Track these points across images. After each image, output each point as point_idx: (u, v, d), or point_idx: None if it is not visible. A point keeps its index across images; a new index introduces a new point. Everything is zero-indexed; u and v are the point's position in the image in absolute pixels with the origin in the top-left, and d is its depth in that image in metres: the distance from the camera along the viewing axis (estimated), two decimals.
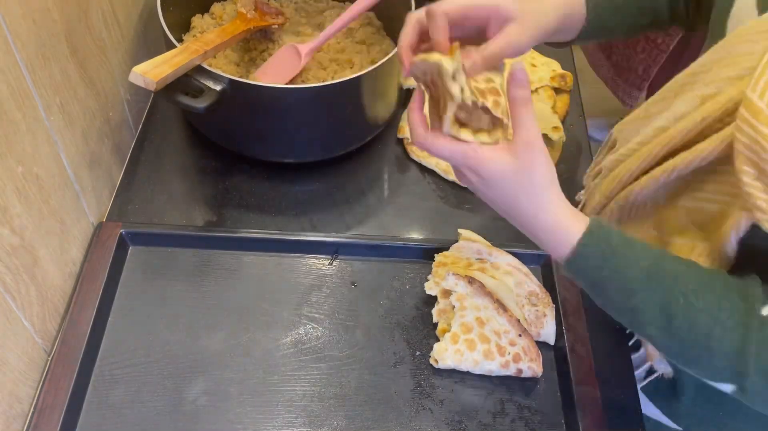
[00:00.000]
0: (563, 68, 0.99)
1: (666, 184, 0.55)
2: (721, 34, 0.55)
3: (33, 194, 0.62)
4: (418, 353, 0.71)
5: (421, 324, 0.73)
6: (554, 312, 0.74)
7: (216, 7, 0.93)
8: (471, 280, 0.71)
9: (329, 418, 0.66)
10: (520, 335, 0.70)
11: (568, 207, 0.51)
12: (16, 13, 0.56)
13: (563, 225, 0.50)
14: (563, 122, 0.93)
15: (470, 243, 0.77)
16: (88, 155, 0.73)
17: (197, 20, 0.92)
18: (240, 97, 0.75)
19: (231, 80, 0.73)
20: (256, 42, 0.90)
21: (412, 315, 0.74)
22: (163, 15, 0.78)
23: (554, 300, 0.75)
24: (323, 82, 0.84)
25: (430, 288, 0.74)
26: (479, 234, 0.78)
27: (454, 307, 0.71)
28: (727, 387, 0.49)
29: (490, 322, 0.70)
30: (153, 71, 0.66)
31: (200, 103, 0.71)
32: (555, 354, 0.72)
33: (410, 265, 0.78)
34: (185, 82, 0.72)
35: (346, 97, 0.80)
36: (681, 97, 0.56)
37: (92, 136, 0.74)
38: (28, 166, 0.60)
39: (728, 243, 0.50)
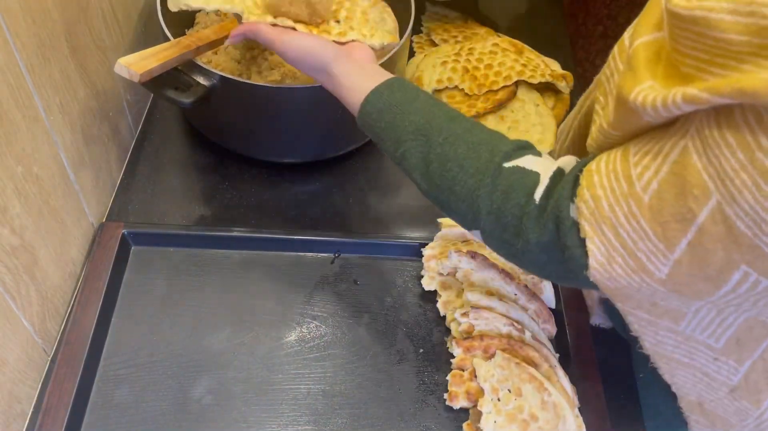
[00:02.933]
0: (563, 68, 0.99)
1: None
2: None
3: (33, 194, 0.61)
4: (421, 350, 0.71)
5: (424, 321, 0.73)
6: None
7: None
8: (473, 254, 0.72)
9: (333, 416, 0.66)
10: (530, 299, 0.71)
11: (375, 73, 0.60)
12: (16, 13, 0.55)
13: (360, 84, 0.59)
14: (563, 121, 0.94)
15: (452, 229, 0.78)
16: (88, 155, 0.73)
17: (202, 16, 0.92)
18: (230, 94, 0.75)
19: (222, 77, 0.73)
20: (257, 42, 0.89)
21: (415, 312, 0.74)
22: (162, 15, 0.78)
23: None
24: None
25: (428, 283, 0.75)
26: None
27: (462, 292, 0.71)
28: (477, 235, 0.53)
29: (500, 292, 0.71)
30: (138, 63, 0.66)
31: (187, 98, 0.71)
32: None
33: (411, 263, 0.78)
34: (176, 76, 0.72)
35: None
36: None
37: (92, 136, 0.74)
38: (28, 166, 0.60)
39: None
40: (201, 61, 0.88)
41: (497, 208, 0.50)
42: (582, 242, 0.45)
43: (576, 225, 0.45)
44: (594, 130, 0.50)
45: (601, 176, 0.44)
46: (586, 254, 0.45)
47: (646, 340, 0.51)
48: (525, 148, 0.52)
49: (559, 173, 0.49)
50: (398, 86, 0.58)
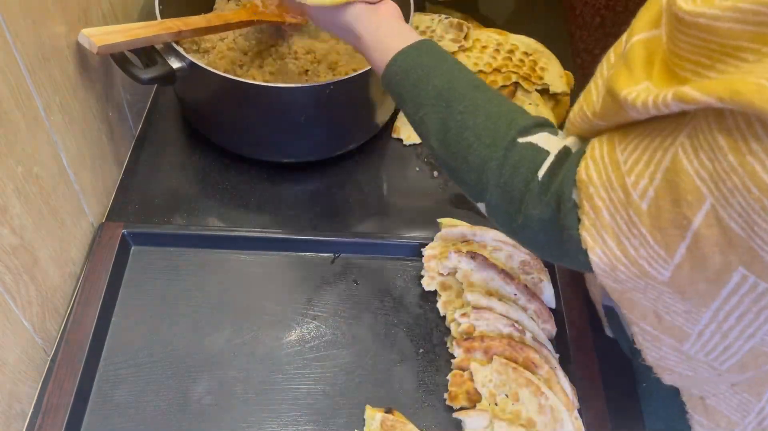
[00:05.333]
0: (562, 61, 0.99)
1: None
2: None
3: (33, 194, 0.61)
4: (421, 350, 0.71)
5: (425, 321, 0.73)
6: (548, 276, 0.75)
7: None
8: (473, 255, 0.72)
9: (334, 416, 0.66)
10: (530, 300, 0.71)
11: (402, 32, 0.59)
12: (16, 14, 0.55)
13: (386, 43, 0.58)
14: (564, 122, 0.94)
15: (452, 229, 0.78)
16: (88, 155, 0.73)
17: (221, 2, 0.94)
18: (198, 81, 0.76)
19: (191, 62, 0.74)
20: (268, 35, 0.90)
21: (416, 312, 0.74)
22: (160, 14, 0.78)
23: (546, 263, 0.77)
24: (323, 81, 0.84)
25: (428, 284, 0.75)
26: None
27: (462, 292, 0.71)
28: (482, 208, 0.53)
29: (500, 292, 0.71)
30: (100, 36, 0.66)
31: (146, 74, 0.72)
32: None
33: (412, 263, 0.78)
34: (149, 53, 0.73)
35: (346, 96, 0.80)
36: None
37: (92, 136, 0.74)
38: (28, 166, 0.60)
39: None
40: (206, 45, 0.88)
41: (504, 181, 0.50)
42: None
43: (576, 207, 0.46)
44: (575, 112, 0.50)
45: (597, 187, 0.44)
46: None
47: (649, 354, 0.50)
48: (543, 125, 0.52)
49: (564, 153, 0.49)
50: (426, 49, 0.57)
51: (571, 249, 0.46)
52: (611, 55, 0.48)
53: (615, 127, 0.45)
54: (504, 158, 0.50)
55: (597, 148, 0.45)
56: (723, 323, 0.43)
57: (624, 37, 0.46)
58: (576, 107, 0.50)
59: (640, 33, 0.43)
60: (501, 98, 0.54)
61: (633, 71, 0.42)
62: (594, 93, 0.47)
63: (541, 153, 0.49)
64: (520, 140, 0.50)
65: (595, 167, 0.45)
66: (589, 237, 0.44)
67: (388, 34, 0.60)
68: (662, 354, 0.50)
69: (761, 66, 0.34)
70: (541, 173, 0.48)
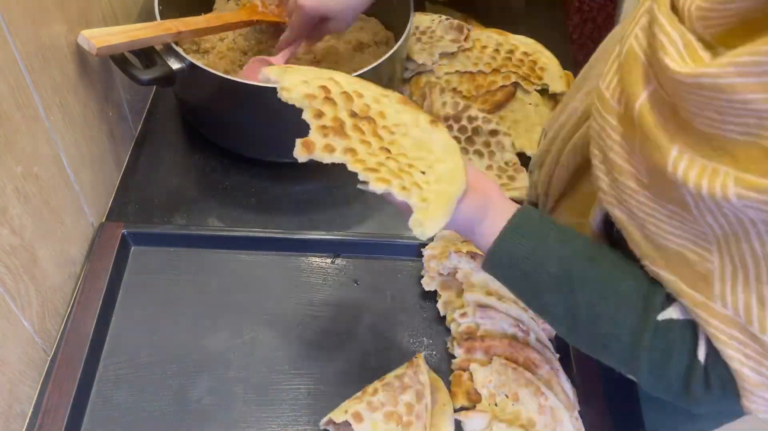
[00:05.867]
0: (563, 63, 0.99)
1: (574, 170, 0.62)
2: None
3: (33, 194, 0.61)
4: (421, 350, 0.71)
5: (425, 322, 0.73)
6: None
7: None
8: (473, 255, 0.72)
9: None
10: None
11: (500, 210, 0.52)
12: (16, 14, 0.55)
13: (487, 228, 0.52)
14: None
15: None
16: (88, 155, 0.73)
17: (220, 3, 0.94)
18: (197, 81, 0.75)
19: (191, 63, 0.74)
20: (268, 35, 0.90)
21: (415, 312, 0.74)
22: (160, 15, 0.78)
23: None
24: None
25: (428, 284, 0.75)
26: None
27: (462, 292, 0.71)
28: (632, 376, 0.52)
29: (500, 293, 0.71)
30: (100, 37, 0.66)
31: (145, 75, 0.72)
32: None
33: (412, 263, 0.78)
34: (149, 54, 0.73)
35: None
36: (580, 91, 0.64)
37: (92, 136, 0.74)
38: (28, 165, 0.60)
39: (594, 223, 0.55)
40: (205, 46, 0.87)
41: (659, 367, 0.48)
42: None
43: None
44: (606, 186, 0.49)
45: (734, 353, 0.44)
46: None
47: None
48: (668, 294, 0.49)
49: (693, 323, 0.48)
50: (525, 225, 0.52)
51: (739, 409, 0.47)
52: (601, 112, 0.49)
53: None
54: (652, 345, 0.48)
55: (715, 320, 0.45)
56: None
57: (606, 93, 0.48)
58: (603, 184, 0.50)
59: (638, 97, 0.44)
60: (621, 266, 0.51)
61: (657, 141, 0.42)
62: (604, 159, 0.48)
63: (686, 328, 0.47)
64: (660, 318, 0.48)
65: (718, 332, 0.45)
66: (746, 401, 0.45)
67: (490, 215, 0.53)
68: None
69: None
70: (701, 356, 0.47)
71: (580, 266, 0.50)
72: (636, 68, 0.45)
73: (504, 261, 0.52)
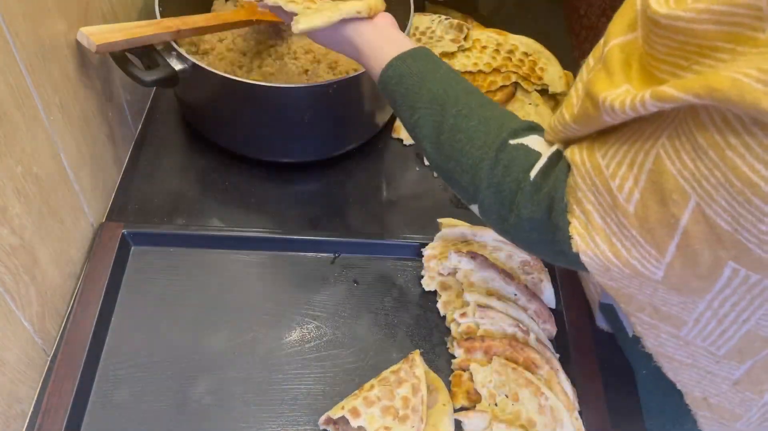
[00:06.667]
0: (563, 63, 0.99)
1: None
2: None
3: (33, 194, 0.61)
4: (421, 350, 0.71)
5: (425, 321, 0.73)
6: (549, 276, 0.75)
7: None
8: (473, 255, 0.72)
9: None
10: (530, 300, 0.71)
11: (398, 40, 0.60)
12: (16, 13, 0.55)
13: (383, 50, 0.60)
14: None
15: (452, 229, 0.78)
16: (87, 155, 0.73)
17: (218, 3, 0.94)
18: (200, 82, 0.75)
19: (194, 64, 0.73)
20: (267, 36, 0.90)
21: (415, 312, 0.74)
22: (160, 15, 0.78)
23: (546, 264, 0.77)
24: (323, 81, 0.84)
25: (428, 284, 0.75)
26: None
27: (462, 292, 0.71)
28: (475, 209, 0.54)
29: (500, 293, 0.71)
30: (99, 34, 0.66)
31: (149, 77, 0.72)
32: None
33: (411, 263, 0.78)
34: (150, 55, 0.73)
35: (346, 96, 0.80)
36: None
37: (92, 136, 0.74)
38: (28, 165, 0.60)
39: None
40: (205, 47, 0.87)
41: (497, 182, 0.51)
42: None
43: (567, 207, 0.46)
44: (555, 118, 0.50)
45: (585, 192, 0.45)
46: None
47: (648, 341, 0.51)
48: (534, 128, 0.53)
49: (556, 155, 0.50)
50: (422, 55, 0.59)
51: (566, 249, 0.47)
52: (590, 60, 0.48)
53: (593, 134, 0.46)
54: (496, 159, 0.51)
55: (577, 154, 0.46)
56: (718, 310, 0.44)
57: (602, 41, 0.47)
58: (557, 114, 0.51)
59: (616, 37, 0.44)
60: (493, 104, 0.56)
61: (612, 75, 0.43)
62: (574, 98, 0.48)
63: (533, 154, 0.50)
64: (512, 142, 0.51)
65: (578, 172, 0.45)
66: (580, 239, 0.45)
67: (384, 42, 0.61)
68: (661, 341, 0.50)
69: (735, 64, 0.35)
70: (533, 174, 0.49)
71: (458, 91, 0.55)
72: (628, 12, 0.45)
73: (397, 74, 0.58)
